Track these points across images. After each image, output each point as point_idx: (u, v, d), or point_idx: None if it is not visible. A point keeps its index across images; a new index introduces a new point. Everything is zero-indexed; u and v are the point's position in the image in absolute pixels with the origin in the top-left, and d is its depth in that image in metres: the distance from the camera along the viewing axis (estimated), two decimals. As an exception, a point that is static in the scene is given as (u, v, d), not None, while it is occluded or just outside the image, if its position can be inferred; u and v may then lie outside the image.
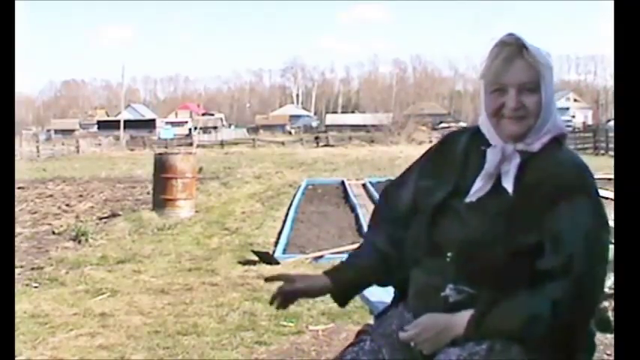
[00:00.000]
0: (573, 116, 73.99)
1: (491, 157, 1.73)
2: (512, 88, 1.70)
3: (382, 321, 1.86)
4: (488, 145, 1.76)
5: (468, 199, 1.73)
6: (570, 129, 43.37)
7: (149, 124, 77.07)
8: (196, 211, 10.70)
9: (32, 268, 6.73)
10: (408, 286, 1.83)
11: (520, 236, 1.64)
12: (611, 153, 24.79)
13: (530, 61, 1.70)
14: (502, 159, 1.72)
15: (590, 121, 65.41)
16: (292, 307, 5.33)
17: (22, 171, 19.31)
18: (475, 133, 1.83)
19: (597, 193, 1.69)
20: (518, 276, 1.63)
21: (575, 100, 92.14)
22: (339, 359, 1.77)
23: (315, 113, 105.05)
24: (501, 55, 1.72)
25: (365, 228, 8.53)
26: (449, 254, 1.71)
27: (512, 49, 1.71)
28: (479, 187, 1.73)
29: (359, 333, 1.85)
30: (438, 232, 1.75)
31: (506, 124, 1.72)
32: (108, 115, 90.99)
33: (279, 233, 8.59)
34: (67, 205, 12.47)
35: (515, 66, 1.70)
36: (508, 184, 1.71)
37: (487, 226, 1.68)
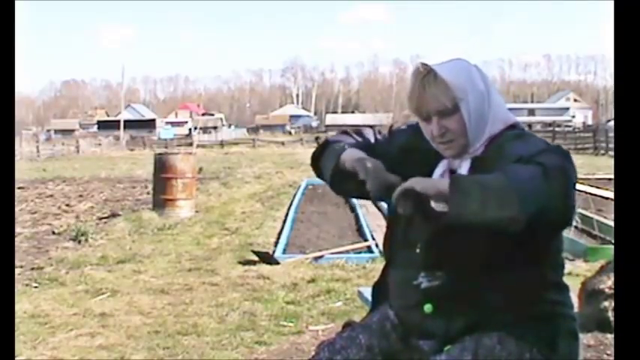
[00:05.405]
0: (573, 116, 73.96)
1: (437, 170, 1.80)
2: (433, 116, 1.74)
3: (365, 317, 1.95)
4: None
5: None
6: (570, 129, 43.41)
7: (149, 124, 76.99)
8: (196, 211, 10.70)
9: (32, 268, 6.73)
10: (388, 290, 1.89)
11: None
12: (611, 153, 24.80)
13: (440, 87, 1.71)
14: (448, 170, 1.78)
15: (590, 121, 65.36)
16: (292, 307, 5.34)
17: (22, 171, 19.29)
18: None
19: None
20: (485, 254, 1.67)
21: (575, 100, 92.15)
22: (318, 345, 1.86)
23: (315, 113, 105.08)
24: (415, 86, 1.75)
25: (365, 228, 8.55)
26: (418, 245, 1.77)
27: (423, 78, 1.74)
28: None
29: (344, 326, 1.93)
30: (410, 229, 1.80)
31: (441, 150, 1.78)
32: (108, 115, 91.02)
33: (279, 233, 8.59)
34: (67, 205, 12.46)
35: (427, 96, 1.73)
36: None
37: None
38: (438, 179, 1.71)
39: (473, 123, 1.73)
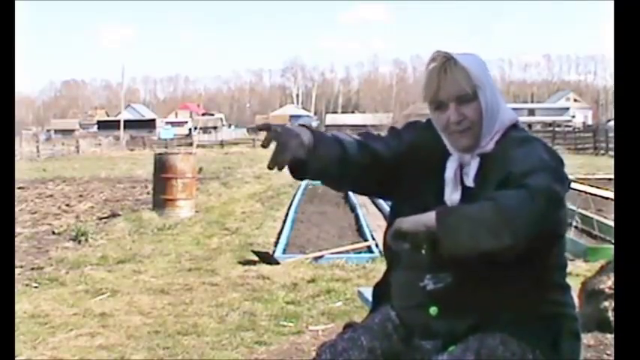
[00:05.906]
0: (573, 116, 73.91)
1: (450, 164, 1.80)
2: (451, 103, 1.76)
3: (366, 318, 1.94)
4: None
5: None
6: (570, 129, 43.41)
7: (149, 124, 76.97)
8: (196, 211, 10.70)
9: (32, 268, 6.73)
10: (389, 290, 1.89)
11: None
12: (611, 153, 24.79)
13: (461, 72, 1.74)
14: (460, 165, 1.79)
15: (590, 121, 65.30)
16: (292, 307, 5.33)
17: (22, 171, 19.29)
18: None
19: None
20: (488, 255, 1.63)
21: (575, 100, 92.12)
22: (320, 346, 1.85)
23: (315, 113, 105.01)
24: (433, 73, 1.77)
25: (365, 228, 8.55)
26: (424, 246, 1.74)
27: (442, 65, 1.76)
28: (450, 193, 1.79)
29: (345, 327, 1.92)
30: None
31: (455, 139, 1.78)
32: (108, 115, 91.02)
33: (279, 233, 8.59)
34: (67, 205, 12.47)
35: (448, 81, 1.75)
36: (469, 183, 1.77)
37: None
38: (423, 215, 1.61)
39: (489, 113, 1.77)
